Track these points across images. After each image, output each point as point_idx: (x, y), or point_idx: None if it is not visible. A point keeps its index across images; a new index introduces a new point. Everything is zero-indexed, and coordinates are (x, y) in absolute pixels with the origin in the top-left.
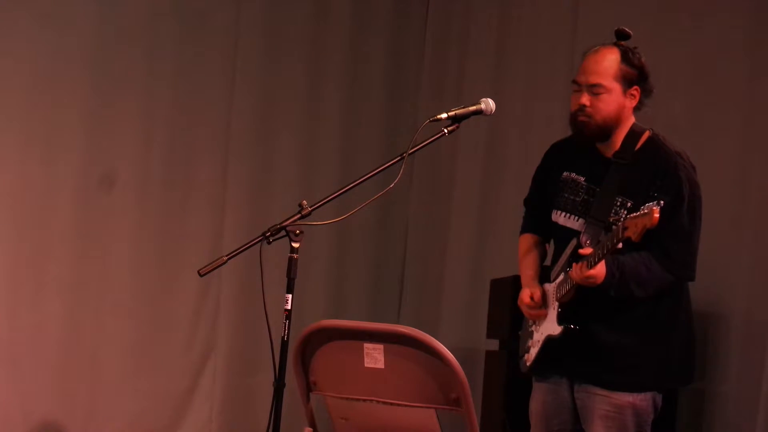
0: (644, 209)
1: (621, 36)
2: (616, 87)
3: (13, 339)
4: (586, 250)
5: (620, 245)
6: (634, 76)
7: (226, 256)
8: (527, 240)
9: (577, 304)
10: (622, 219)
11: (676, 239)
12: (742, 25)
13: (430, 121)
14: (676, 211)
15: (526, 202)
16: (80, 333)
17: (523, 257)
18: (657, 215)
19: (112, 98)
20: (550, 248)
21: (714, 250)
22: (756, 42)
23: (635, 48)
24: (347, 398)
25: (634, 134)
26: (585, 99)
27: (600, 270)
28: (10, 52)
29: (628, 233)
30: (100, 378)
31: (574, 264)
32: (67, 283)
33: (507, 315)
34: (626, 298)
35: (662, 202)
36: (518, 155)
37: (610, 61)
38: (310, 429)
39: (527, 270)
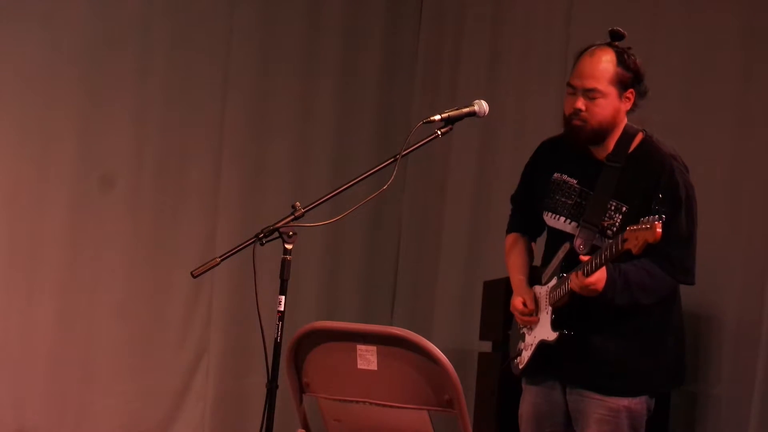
0: (645, 223)
1: (615, 36)
2: (612, 91)
3: (5, 340)
4: (584, 258)
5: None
6: (630, 79)
7: (220, 257)
8: (514, 240)
9: (570, 310)
10: (617, 225)
11: (676, 245)
12: (736, 24)
13: (424, 123)
14: (675, 216)
15: (513, 199)
16: (73, 334)
17: (511, 259)
18: (659, 230)
19: (105, 100)
20: (539, 248)
21: (706, 252)
22: (750, 41)
23: (629, 49)
24: (340, 400)
25: (627, 136)
26: (580, 103)
27: (600, 277)
28: (3, 54)
29: (628, 245)
30: (93, 379)
31: (572, 274)
32: (60, 284)
33: (500, 317)
34: (627, 306)
35: (663, 216)
36: (511, 157)
37: (606, 64)
38: (303, 430)
39: (517, 273)
